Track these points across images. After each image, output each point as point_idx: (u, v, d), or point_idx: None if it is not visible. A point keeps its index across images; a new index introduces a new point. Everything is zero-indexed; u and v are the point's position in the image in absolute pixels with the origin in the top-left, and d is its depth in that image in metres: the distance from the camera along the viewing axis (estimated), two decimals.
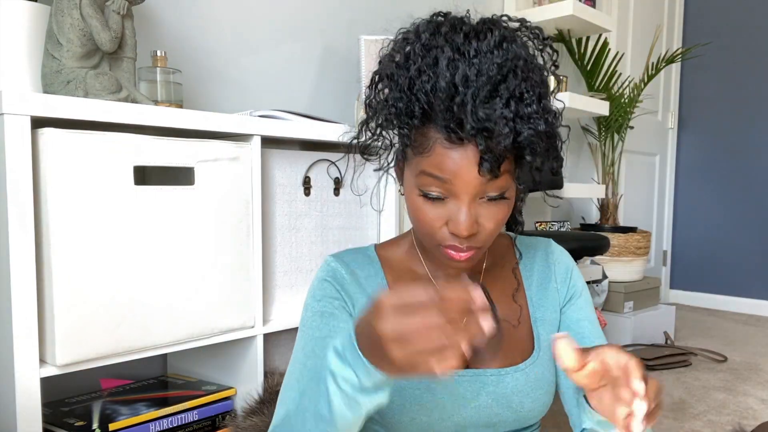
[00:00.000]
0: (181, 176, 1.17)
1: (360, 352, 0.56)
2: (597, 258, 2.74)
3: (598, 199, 3.03)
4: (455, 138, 0.65)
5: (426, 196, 0.70)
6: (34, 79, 1.16)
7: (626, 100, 2.82)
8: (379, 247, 0.87)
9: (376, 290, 0.82)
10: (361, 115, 0.75)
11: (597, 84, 2.78)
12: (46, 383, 1.28)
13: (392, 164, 0.80)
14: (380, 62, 0.75)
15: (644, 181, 3.60)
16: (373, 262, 0.84)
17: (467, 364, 0.81)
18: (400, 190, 0.78)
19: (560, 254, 0.89)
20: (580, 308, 0.86)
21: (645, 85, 2.85)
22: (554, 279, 0.87)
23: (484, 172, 0.66)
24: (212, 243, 1.18)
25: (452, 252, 0.72)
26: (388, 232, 1.54)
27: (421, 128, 0.69)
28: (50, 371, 1.00)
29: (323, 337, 0.77)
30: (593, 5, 2.63)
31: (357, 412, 0.59)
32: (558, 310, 0.86)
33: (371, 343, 0.54)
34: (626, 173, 3.34)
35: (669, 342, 2.79)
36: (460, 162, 0.66)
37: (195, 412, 1.22)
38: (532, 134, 0.65)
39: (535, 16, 2.47)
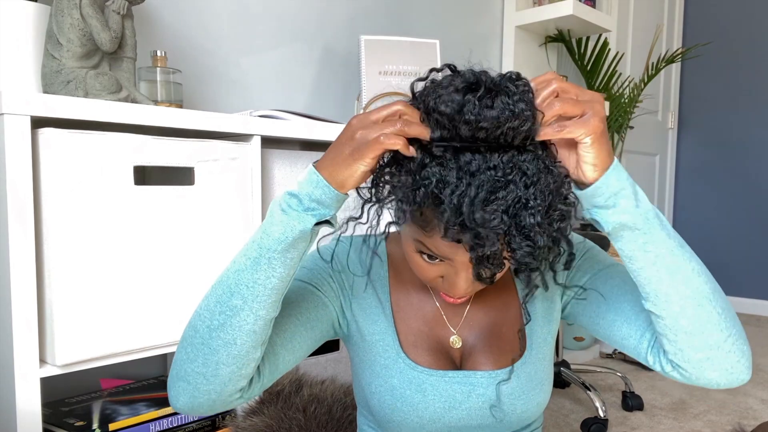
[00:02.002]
0: (181, 176, 1.17)
1: (313, 167, 0.63)
2: None
3: None
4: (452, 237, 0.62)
5: (422, 252, 0.70)
6: (34, 79, 1.16)
7: (626, 100, 2.82)
8: (388, 240, 0.87)
9: (378, 280, 0.83)
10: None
11: (597, 84, 2.78)
12: (46, 383, 1.28)
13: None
14: None
15: (644, 181, 3.60)
16: (381, 252, 0.85)
17: (458, 366, 0.81)
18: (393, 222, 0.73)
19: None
20: (602, 281, 0.80)
21: (645, 85, 2.84)
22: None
23: (475, 280, 0.65)
24: (212, 243, 1.18)
25: (447, 296, 0.74)
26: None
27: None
28: (50, 371, 1.00)
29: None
30: (593, 5, 2.63)
31: (284, 233, 0.62)
32: (555, 300, 0.84)
33: (332, 153, 0.62)
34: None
35: None
36: (458, 248, 0.65)
37: None
38: (530, 251, 0.61)
39: (535, 16, 2.48)
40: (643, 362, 0.75)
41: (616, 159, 0.63)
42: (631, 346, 0.75)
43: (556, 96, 0.61)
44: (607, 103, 2.58)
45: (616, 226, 0.63)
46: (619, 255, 0.67)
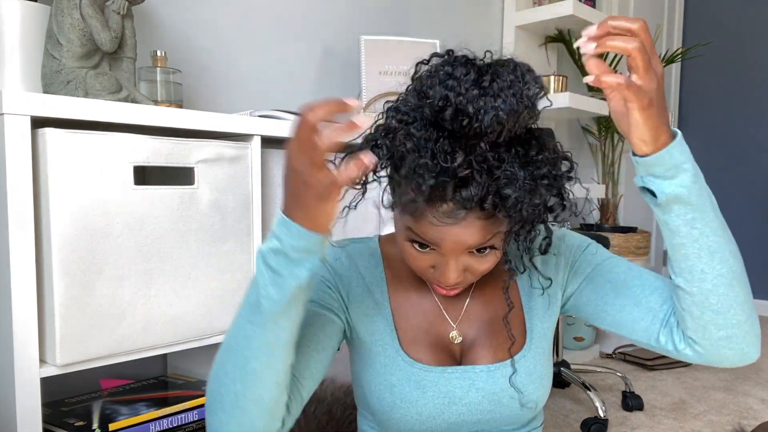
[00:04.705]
0: (181, 176, 1.17)
1: (284, 215, 0.59)
2: None
3: (598, 199, 3.03)
4: (437, 200, 0.63)
5: (413, 241, 0.71)
6: (34, 79, 1.16)
7: None
8: (382, 240, 0.88)
9: (375, 282, 0.83)
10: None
11: None
12: (46, 383, 1.28)
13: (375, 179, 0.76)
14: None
15: None
16: (375, 254, 0.85)
17: (459, 361, 0.81)
18: (386, 207, 0.76)
19: (570, 238, 0.85)
20: (608, 270, 0.81)
21: None
22: (557, 264, 0.84)
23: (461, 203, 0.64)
24: (212, 243, 1.18)
25: (439, 288, 0.75)
26: (390, 230, 1.54)
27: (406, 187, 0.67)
28: (50, 371, 1.00)
29: None
30: (593, 5, 2.63)
31: (282, 293, 0.60)
32: (556, 295, 0.84)
33: (292, 192, 0.58)
34: (626, 173, 3.35)
35: None
36: (446, 234, 0.66)
37: (195, 412, 1.22)
38: (525, 198, 0.63)
39: (535, 16, 2.48)
40: (653, 344, 0.75)
41: (679, 132, 0.64)
42: (642, 328, 0.76)
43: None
44: (607, 104, 2.58)
45: (670, 197, 0.63)
46: (661, 228, 0.67)
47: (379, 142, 0.68)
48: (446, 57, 0.65)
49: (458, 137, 0.63)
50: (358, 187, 0.72)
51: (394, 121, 0.67)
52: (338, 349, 0.82)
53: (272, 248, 0.60)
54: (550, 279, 0.83)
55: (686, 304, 0.69)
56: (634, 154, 0.65)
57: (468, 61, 0.64)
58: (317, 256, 0.61)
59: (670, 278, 0.73)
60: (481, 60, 0.67)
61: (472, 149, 0.62)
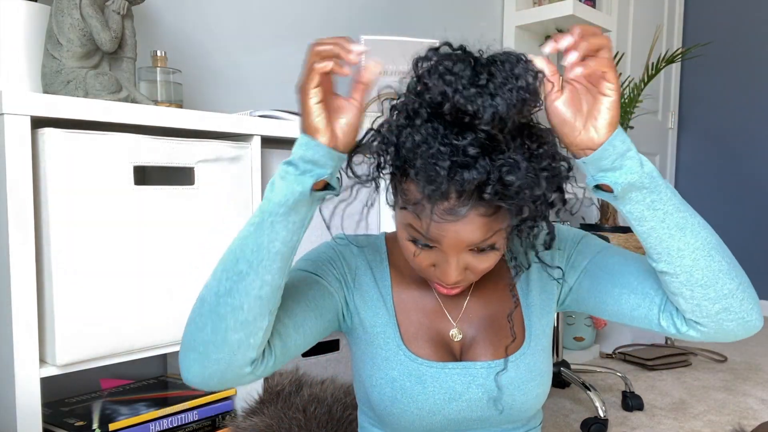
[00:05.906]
0: (181, 176, 1.17)
1: (301, 132, 0.65)
2: None
3: (598, 199, 3.03)
4: (432, 190, 0.62)
5: (414, 239, 0.71)
6: (34, 79, 1.16)
7: (626, 100, 2.81)
8: (387, 238, 0.89)
9: (380, 276, 0.84)
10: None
11: None
12: (46, 383, 1.28)
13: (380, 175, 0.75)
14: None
15: None
16: (381, 250, 0.86)
17: (459, 359, 0.81)
18: (390, 205, 0.76)
19: (563, 232, 0.86)
20: (603, 261, 0.81)
21: (645, 85, 2.84)
22: (551, 260, 0.84)
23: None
24: (212, 243, 1.18)
25: (440, 287, 0.76)
26: (390, 230, 1.54)
27: (406, 182, 0.67)
28: (50, 371, 1.00)
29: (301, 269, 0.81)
30: (593, 5, 2.63)
31: (283, 196, 0.63)
32: (553, 291, 0.85)
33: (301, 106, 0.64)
34: None
35: (669, 342, 2.79)
36: (447, 231, 0.66)
37: (195, 412, 1.22)
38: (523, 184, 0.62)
39: (535, 16, 2.48)
40: (656, 329, 0.75)
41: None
42: (641, 315, 0.76)
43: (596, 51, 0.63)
44: None
45: (624, 187, 0.64)
46: (627, 218, 0.68)
47: (385, 139, 0.68)
48: (445, 51, 0.65)
49: (463, 126, 0.63)
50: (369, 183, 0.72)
51: (400, 119, 0.67)
52: (334, 328, 0.82)
53: (285, 161, 0.64)
54: (560, 268, 0.83)
55: (675, 287, 0.69)
56: (576, 157, 0.66)
57: (466, 57, 0.64)
58: (324, 170, 0.64)
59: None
60: (480, 52, 0.67)
61: (478, 132, 0.62)
